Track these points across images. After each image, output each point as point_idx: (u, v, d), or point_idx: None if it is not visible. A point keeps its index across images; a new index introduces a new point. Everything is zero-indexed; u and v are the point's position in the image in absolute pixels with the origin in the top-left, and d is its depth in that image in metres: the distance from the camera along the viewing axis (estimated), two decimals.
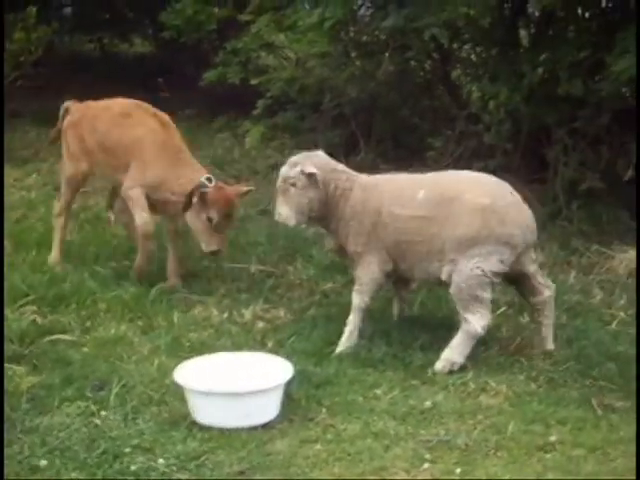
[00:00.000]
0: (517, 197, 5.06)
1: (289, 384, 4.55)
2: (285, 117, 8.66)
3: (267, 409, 4.43)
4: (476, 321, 4.93)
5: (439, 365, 4.97)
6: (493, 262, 4.91)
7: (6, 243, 6.59)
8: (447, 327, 5.26)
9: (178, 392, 4.56)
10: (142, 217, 5.94)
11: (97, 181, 8.05)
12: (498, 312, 5.49)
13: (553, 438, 4.31)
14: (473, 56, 8.39)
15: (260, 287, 6.07)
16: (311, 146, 8.53)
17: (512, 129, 7.33)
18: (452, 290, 4.98)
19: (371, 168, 6.07)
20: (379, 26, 7.81)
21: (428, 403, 4.65)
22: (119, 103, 6.54)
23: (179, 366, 4.64)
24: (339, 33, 8.39)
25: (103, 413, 4.49)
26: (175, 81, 10.47)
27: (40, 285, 5.86)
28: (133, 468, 4.06)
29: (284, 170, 5.20)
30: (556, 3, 7.00)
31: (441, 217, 4.97)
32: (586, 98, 6.85)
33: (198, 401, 4.41)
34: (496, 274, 4.95)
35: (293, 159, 5.23)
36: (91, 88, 11.23)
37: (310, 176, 5.12)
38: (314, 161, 5.20)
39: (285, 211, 5.15)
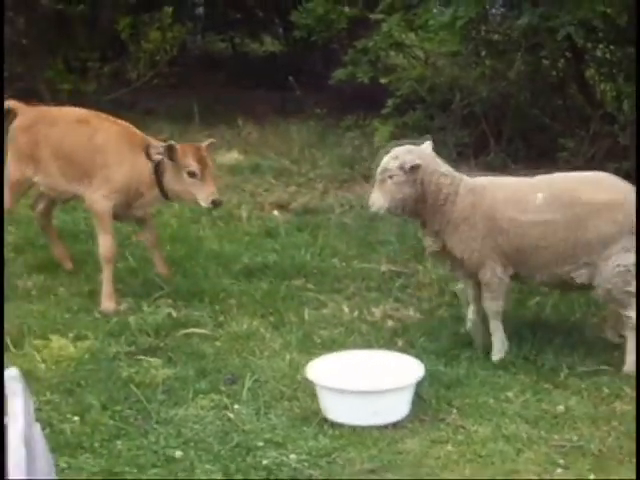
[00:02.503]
0: (628, 185, 4.98)
1: (420, 384, 4.55)
2: (414, 116, 8.65)
3: (398, 408, 4.44)
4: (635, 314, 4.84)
5: (628, 368, 4.89)
6: (630, 255, 4.82)
7: (141, 238, 6.74)
8: (579, 330, 5.18)
9: (309, 388, 4.61)
10: (107, 241, 5.78)
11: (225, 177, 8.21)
12: None
13: None
14: (608, 55, 8.23)
15: (390, 286, 6.07)
16: (441, 145, 8.54)
17: None
18: (599, 293, 4.91)
19: (501, 168, 6.01)
20: (512, 25, 7.74)
21: (561, 407, 4.59)
22: (75, 111, 6.24)
23: (310, 363, 4.69)
24: (470, 32, 8.33)
25: (236, 407, 4.56)
26: (305, 80, 10.55)
27: (174, 279, 5.99)
28: (265, 462, 4.11)
29: (385, 160, 5.07)
30: None
31: (566, 221, 4.89)
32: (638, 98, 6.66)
33: (329, 398, 4.44)
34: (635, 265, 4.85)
35: (396, 151, 5.12)
36: (223, 87, 11.50)
37: (409, 171, 5.01)
38: (416, 156, 5.07)
39: (378, 200, 5.07)
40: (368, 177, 8.13)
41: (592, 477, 4.02)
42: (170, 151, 5.59)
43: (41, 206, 6.42)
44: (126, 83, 9.82)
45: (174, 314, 5.58)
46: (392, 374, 4.59)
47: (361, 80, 9.06)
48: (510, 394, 4.71)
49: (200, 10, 13.92)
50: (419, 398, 4.56)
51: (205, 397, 4.66)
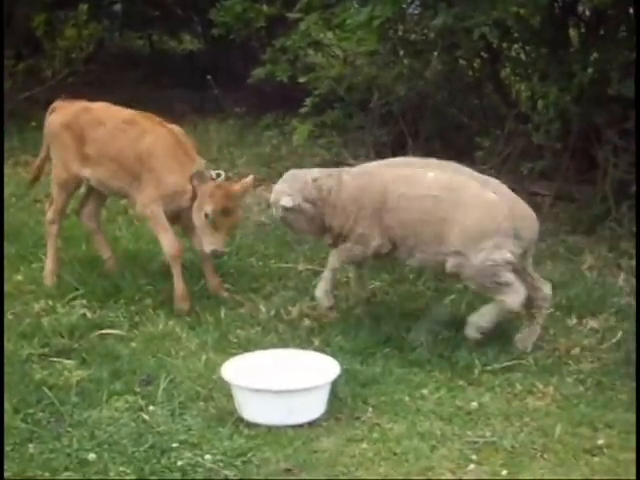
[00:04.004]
0: (514, 196, 5.25)
1: (335, 382, 4.56)
2: (333, 115, 8.66)
3: (313, 407, 4.45)
4: (511, 300, 5.08)
5: (469, 331, 5.16)
6: (500, 252, 5.04)
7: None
8: (495, 328, 5.24)
9: (225, 388, 4.59)
10: (169, 240, 5.70)
11: None
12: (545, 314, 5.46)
13: (601, 441, 4.29)
14: (522, 55, 8.33)
15: (307, 285, 6.07)
16: (359, 144, 8.59)
17: (561, 129, 7.27)
18: (472, 286, 5.25)
19: None
20: (428, 25, 7.79)
21: (474, 404, 4.64)
22: (122, 110, 6.12)
23: (226, 362, 4.67)
24: (388, 31, 8.36)
25: (151, 408, 4.53)
26: (224, 79, 10.50)
27: (89, 280, 5.92)
28: (180, 463, 4.09)
29: (274, 212, 5.51)
30: (607, 2, 6.93)
31: (451, 202, 5.11)
32: (637, 98, 6.79)
33: (244, 398, 4.44)
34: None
35: (271, 200, 5.47)
36: (140, 85, 11.38)
37: (288, 210, 5.34)
38: (286, 192, 5.35)
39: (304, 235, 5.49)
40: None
41: (505, 472, 4.07)
42: (200, 191, 5.49)
43: (87, 209, 6.33)
44: (41, 81, 9.66)
45: (89, 315, 5.53)
46: (308, 373, 4.60)
47: (280, 79, 9.05)
48: (425, 391, 4.76)
49: (118, 7, 13.76)
50: (335, 397, 4.57)
51: (120, 399, 4.62)
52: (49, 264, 6.10)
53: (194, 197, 5.55)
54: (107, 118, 5.97)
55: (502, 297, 5.09)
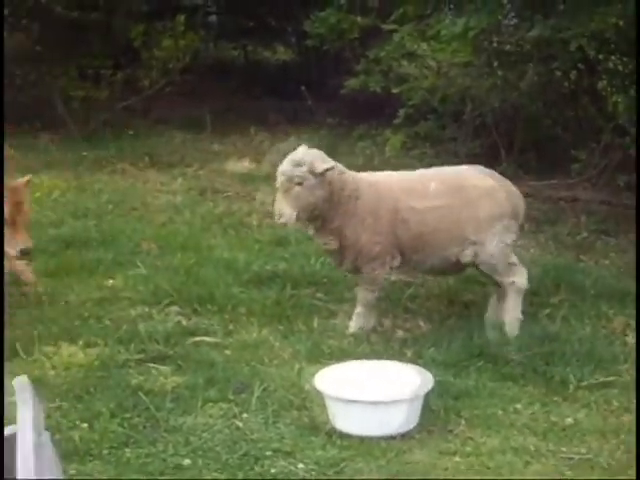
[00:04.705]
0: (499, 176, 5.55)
1: (428, 395, 4.54)
2: (426, 126, 8.67)
3: (406, 419, 4.44)
4: (520, 279, 5.40)
5: (509, 328, 5.36)
6: (510, 234, 5.39)
7: (153, 245, 6.77)
8: (589, 342, 5.17)
9: (318, 398, 4.61)
10: None
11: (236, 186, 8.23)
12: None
13: None
14: (620, 67, 8.24)
15: (399, 296, 6.07)
16: (451, 156, 8.56)
17: None
18: (485, 268, 5.42)
19: (513, 179, 6.00)
20: (524, 36, 7.74)
21: (569, 420, 4.58)
22: None
23: (319, 372, 4.69)
24: (482, 43, 8.35)
25: (245, 415, 4.56)
26: (317, 89, 10.57)
27: (184, 287, 6.01)
28: (273, 471, 4.11)
29: (287, 168, 5.05)
30: None
31: (459, 204, 5.30)
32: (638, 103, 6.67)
33: (338, 408, 4.44)
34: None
35: (295, 157, 5.09)
36: (234, 95, 11.53)
37: (320, 175, 5.06)
38: (321, 158, 5.12)
39: (288, 211, 5.06)
40: None
41: None
42: None
43: None
44: (138, 91, 9.85)
45: (184, 322, 5.60)
46: (401, 385, 4.59)
47: (373, 90, 9.08)
48: (519, 406, 4.71)
49: (213, 18, 13.95)
50: (427, 409, 4.55)
51: (214, 405, 4.66)
52: None
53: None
54: None
55: (512, 278, 5.39)
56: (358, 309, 5.49)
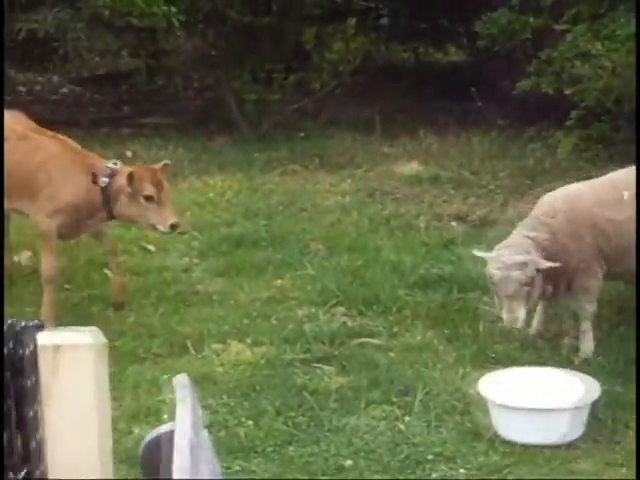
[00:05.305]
0: None
1: (595, 404, 4.45)
2: (599, 128, 8.45)
3: (570, 428, 4.36)
4: None
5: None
6: None
7: (320, 246, 6.85)
8: None
9: (481, 403, 4.58)
10: (50, 261, 5.61)
11: (404, 188, 8.24)
12: None
13: None
14: None
15: (568, 301, 5.94)
16: (624, 158, 8.32)
17: None
18: None
19: None
20: None
21: None
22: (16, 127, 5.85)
23: (483, 377, 4.66)
24: None
25: (407, 418, 4.58)
26: (488, 90, 10.46)
27: (350, 289, 6.05)
28: (434, 476, 4.13)
29: (502, 275, 4.87)
30: None
31: None
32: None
33: (501, 414, 4.41)
34: None
35: (517, 259, 4.89)
36: (404, 96, 11.53)
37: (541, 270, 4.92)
38: (525, 251, 4.95)
39: (521, 315, 4.90)
40: (549, 189, 8.00)
41: None
42: (124, 175, 5.40)
43: None
44: (309, 93, 9.97)
45: (349, 323, 5.64)
46: (567, 393, 4.51)
47: (545, 91, 8.92)
48: None
49: (385, 20, 13.97)
50: (594, 418, 4.46)
51: (377, 407, 4.70)
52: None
53: (106, 198, 5.48)
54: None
55: None
56: (583, 326, 5.28)
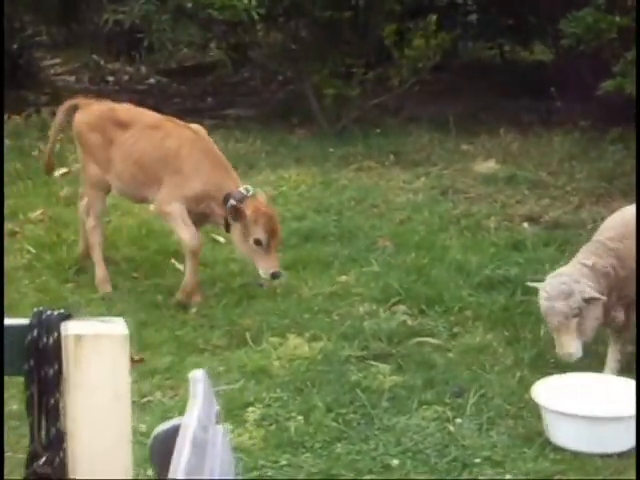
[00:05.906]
0: None
1: None
2: None
3: (625, 438, 4.27)
4: None
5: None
6: None
7: (388, 243, 6.83)
8: None
9: (535, 409, 4.52)
10: (190, 233, 5.74)
11: (479, 187, 8.15)
12: None
13: None
14: None
15: None
16: None
17: None
18: None
19: None
20: None
21: None
22: (147, 114, 6.15)
23: (538, 382, 4.59)
24: None
25: (458, 420, 4.54)
26: (571, 90, 10.29)
27: (414, 287, 6.02)
28: (481, 479, 4.08)
29: (559, 307, 4.62)
30: None
31: None
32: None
33: (553, 421, 4.34)
34: None
35: (562, 289, 4.64)
36: (488, 93, 11.41)
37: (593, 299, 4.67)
38: (573, 280, 4.66)
39: (576, 347, 4.67)
40: (627, 193, 7.85)
41: None
42: (240, 214, 5.54)
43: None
44: (389, 89, 9.93)
45: (409, 322, 5.61)
46: (623, 401, 4.42)
47: (629, 92, 8.74)
48: None
49: (473, 17, 13.84)
50: None
51: (429, 408, 4.67)
52: (100, 272, 6.02)
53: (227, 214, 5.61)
54: (132, 121, 5.97)
55: None
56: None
